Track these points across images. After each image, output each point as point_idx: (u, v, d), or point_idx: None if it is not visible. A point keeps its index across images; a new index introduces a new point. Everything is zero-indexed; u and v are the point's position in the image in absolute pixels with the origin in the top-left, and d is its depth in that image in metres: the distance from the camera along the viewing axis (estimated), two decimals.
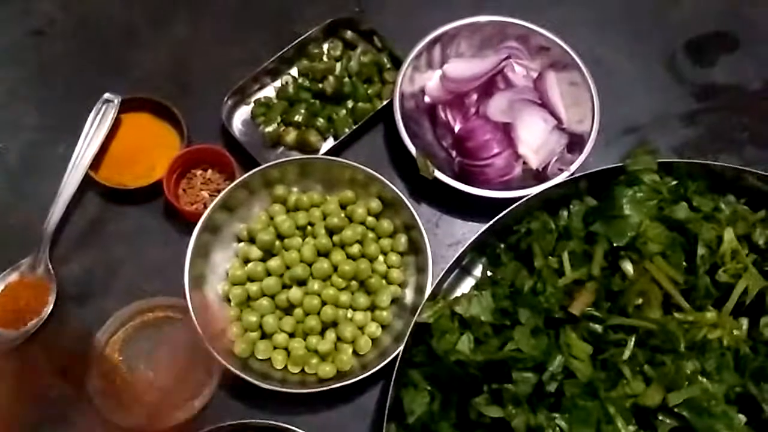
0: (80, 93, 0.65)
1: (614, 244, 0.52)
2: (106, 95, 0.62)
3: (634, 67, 0.69)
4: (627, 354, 0.46)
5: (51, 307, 0.57)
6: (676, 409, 0.42)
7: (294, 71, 0.67)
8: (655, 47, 0.70)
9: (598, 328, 0.48)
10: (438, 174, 0.59)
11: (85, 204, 0.62)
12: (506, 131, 0.61)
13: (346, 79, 0.66)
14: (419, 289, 0.57)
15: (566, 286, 0.52)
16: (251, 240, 0.59)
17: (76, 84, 0.67)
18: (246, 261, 0.58)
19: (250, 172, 0.58)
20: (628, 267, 0.50)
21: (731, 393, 0.43)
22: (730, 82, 0.69)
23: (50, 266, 0.59)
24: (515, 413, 0.45)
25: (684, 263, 0.51)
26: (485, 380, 0.48)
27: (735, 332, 0.47)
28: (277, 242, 0.58)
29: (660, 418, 0.43)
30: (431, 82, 0.66)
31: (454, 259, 0.55)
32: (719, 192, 0.56)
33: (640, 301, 0.49)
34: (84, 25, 0.70)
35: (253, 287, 0.56)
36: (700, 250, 0.50)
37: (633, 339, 0.47)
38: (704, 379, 0.43)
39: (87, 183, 0.61)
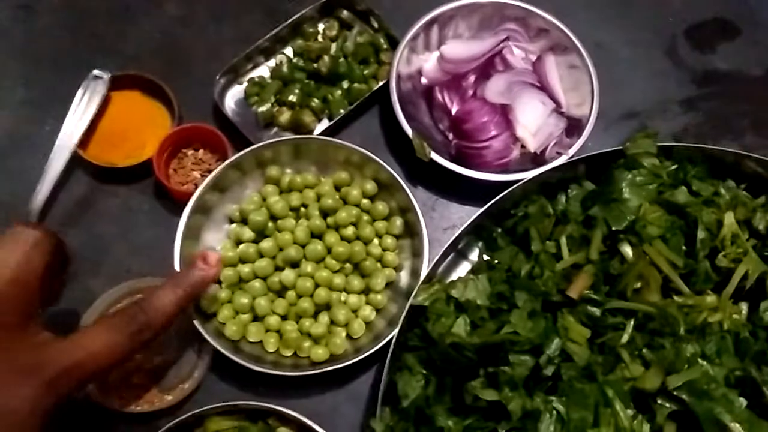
0: (69, 69, 0.64)
1: (613, 228, 0.51)
2: (96, 72, 0.61)
3: (634, 51, 0.69)
4: (626, 338, 0.46)
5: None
6: (675, 393, 0.41)
7: (288, 51, 0.66)
8: (656, 32, 0.70)
9: (597, 311, 0.47)
10: (434, 156, 0.58)
11: (72, 183, 0.61)
12: (504, 113, 0.60)
13: (342, 60, 0.65)
14: (414, 273, 0.56)
15: (564, 270, 0.51)
16: (243, 221, 0.58)
17: (64, 60, 0.66)
18: (238, 242, 0.57)
19: (243, 152, 0.57)
20: (627, 250, 0.50)
21: (731, 376, 0.43)
22: (731, 68, 0.68)
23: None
24: (511, 396, 0.45)
25: (684, 247, 0.50)
26: (481, 363, 0.47)
27: (735, 316, 0.47)
28: (270, 223, 0.56)
29: (659, 401, 0.42)
30: (428, 63, 0.64)
31: (449, 242, 0.54)
32: (719, 177, 0.56)
33: (638, 284, 0.48)
34: (73, 0, 0.69)
35: (245, 269, 0.55)
36: (700, 234, 0.49)
37: (632, 323, 0.46)
38: (704, 362, 0.42)
39: (75, 161, 0.59)
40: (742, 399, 0.41)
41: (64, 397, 0.40)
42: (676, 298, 0.47)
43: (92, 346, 0.41)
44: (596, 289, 0.48)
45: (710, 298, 0.47)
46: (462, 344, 0.47)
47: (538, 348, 0.46)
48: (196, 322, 0.52)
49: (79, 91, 0.60)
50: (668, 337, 0.44)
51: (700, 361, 0.42)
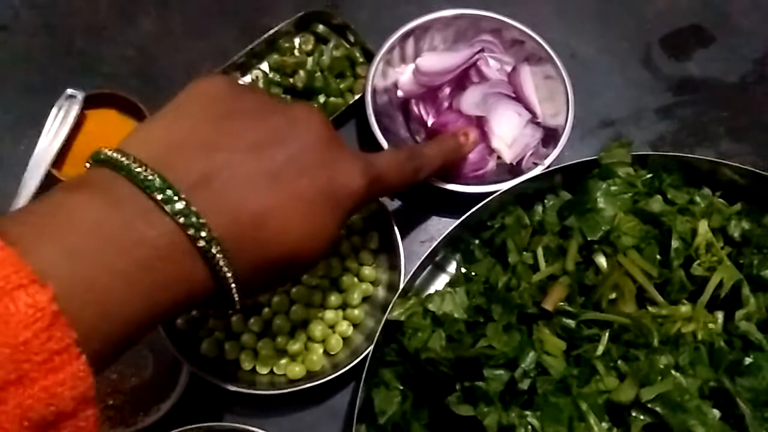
0: (44, 89, 0.64)
1: (588, 238, 0.51)
2: (69, 91, 0.61)
3: (609, 60, 0.69)
4: (601, 349, 0.45)
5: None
6: (649, 405, 0.41)
7: (264, 66, 0.66)
8: (631, 41, 0.70)
9: (572, 323, 0.47)
10: None
11: None
12: (480, 125, 0.60)
13: (318, 74, 0.64)
14: (392, 287, 0.56)
15: (540, 281, 0.51)
16: None
17: (39, 79, 0.65)
18: None
19: None
20: (602, 261, 0.49)
21: (705, 388, 0.42)
22: (707, 76, 0.69)
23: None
24: (487, 412, 0.44)
25: (658, 257, 0.50)
26: (457, 378, 0.47)
27: (710, 326, 0.46)
28: None
29: (634, 414, 0.42)
30: (404, 76, 0.64)
31: (426, 255, 0.54)
32: (695, 185, 0.56)
33: (614, 295, 0.48)
34: (49, 19, 0.68)
35: None
36: (675, 243, 0.49)
37: (607, 334, 0.46)
38: (678, 374, 0.42)
39: (50, 182, 0.59)
40: (715, 411, 0.41)
41: (365, 203, 0.43)
42: (650, 308, 0.47)
43: (391, 168, 0.45)
44: (571, 301, 0.48)
45: (685, 308, 0.47)
46: (437, 359, 0.47)
47: (513, 361, 0.45)
48: (170, 343, 0.51)
49: (53, 110, 0.60)
50: (642, 349, 0.44)
51: (673, 372, 0.42)
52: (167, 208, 0.32)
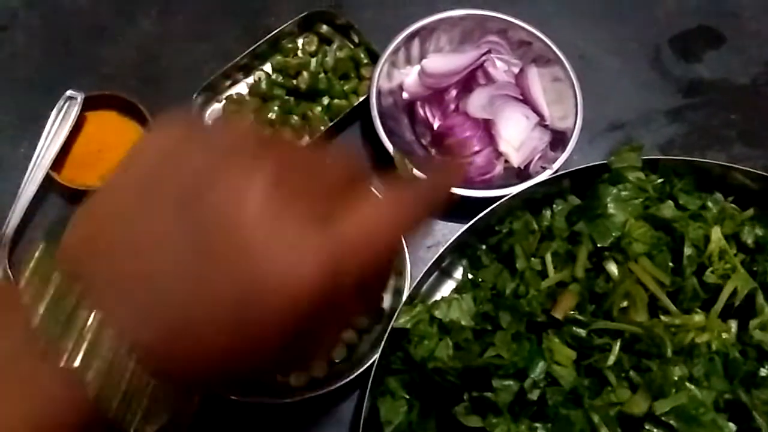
0: (43, 90, 0.63)
1: (598, 245, 0.50)
2: (69, 92, 0.59)
3: (618, 62, 0.68)
4: (612, 359, 0.44)
5: None
6: (663, 418, 0.40)
7: (267, 67, 0.65)
8: (640, 42, 0.69)
9: (582, 332, 0.46)
10: (416, 172, 0.57)
11: (46, 207, 0.59)
12: (487, 128, 0.59)
13: (322, 75, 0.63)
14: (397, 293, 0.55)
15: (549, 288, 0.50)
16: None
17: (39, 81, 0.64)
18: None
19: None
20: (613, 268, 0.48)
21: (720, 400, 0.41)
22: (717, 78, 0.67)
23: (9, 272, 0.56)
24: (496, 423, 0.43)
25: (670, 264, 0.49)
26: (465, 388, 0.46)
27: (724, 335, 0.45)
28: None
29: (647, 427, 0.41)
30: (409, 77, 0.63)
31: (432, 261, 0.53)
32: (706, 190, 0.55)
33: (625, 303, 0.47)
34: (48, 19, 0.67)
35: None
36: (687, 250, 0.48)
37: (618, 344, 0.45)
38: (692, 386, 0.41)
39: (49, 184, 0.58)
40: (731, 424, 0.40)
41: (339, 282, 0.26)
42: (663, 317, 0.46)
43: (380, 219, 0.29)
44: (582, 309, 0.47)
45: (698, 317, 0.46)
46: (445, 369, 0.46)
47: (522, 371, 0.44)
48: None
49: (53, 112, 0.59)
50: (655, 359, 0.43)
51: (688, 384, 0.41)
52: None
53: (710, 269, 0.48)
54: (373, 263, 0.28)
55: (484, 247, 0.56)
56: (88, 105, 0.60)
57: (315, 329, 0.28)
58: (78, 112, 0.59)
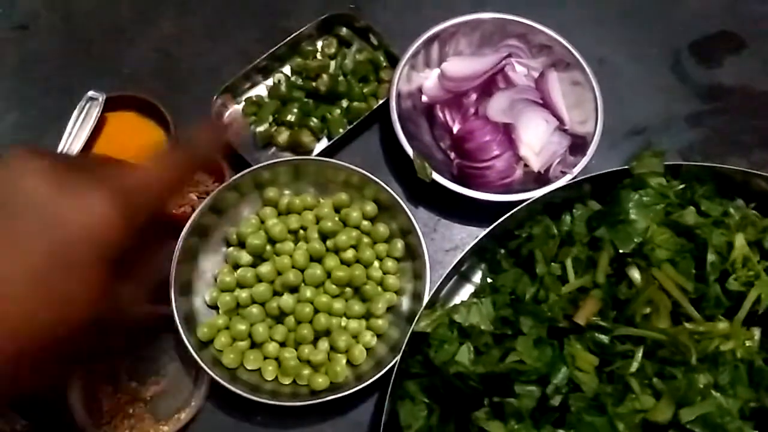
0: (64, 90, 0.63)
1: (620, 251, 0.49)
2: (91, 93, 0.60)
3: (637, 67, 0.67)
4: (635, 366, 0.44)
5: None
6: (688, 426, 0.40)
7: (286, 69, 0.65)
8: (659, 47, 0.68)
9: (605, 338, 0.46)
10: (436, 176, 0.57)
11: None
12: (507, 132, 0.59)
13: (341, 78, 0.64)
14: (416, 297, 0.55)
15: (570, 294, 0.50)
16: (241, 244, 0.56)
17: (59, 81, 0.65)
18: (235, 266, 0.56)
19: (241, 174, 0.56)
20: (636, 275, 0.48)
21: (746, 408, 0.41)
22: (737, 83, 0.67)
23: None
24: (518, 429, 0.43)
25: (693, 271, 0.48)
26: (486, 393, 0.46)
27: (748, 343, 0.45)
28: (268, 247, 0.55)
29: None
30: (429, 81, 0.63)
31: (453, 265, 0.53)
32: (728, 196, 0.54)
33: (647, 310, 0.47)
34: (68, 20, 0.68)
35: (242, 294, 0.54)
36: (710, 257, 0.48)
37: (641, 350, 0.45)
38: (718, 394, 0.40)
39: None
40: None
41: (136, 226, 0.34)
42: (686, 324, 0.45)
43: (148, 172, 0.37)
44: (604, 315, 0.47)
45: (722, 325, 0.45)
46: (466, 373, 0.46)
47: (544, 377, 0.44)
48: (192, 350, 0.50)
49: (75, 113, 0.60)
50: (679, 367, 0.43)
51: (713, 392, 0.41)
52: None
53: (733, 276, 0.48)
54: (156, 200, 0.38)
55: (503, 251, 0.56)
56: (108, 106, 0.60)
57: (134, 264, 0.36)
58: (99, 113, 0.59)
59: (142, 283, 0.39)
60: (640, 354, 0.45)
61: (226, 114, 0.63)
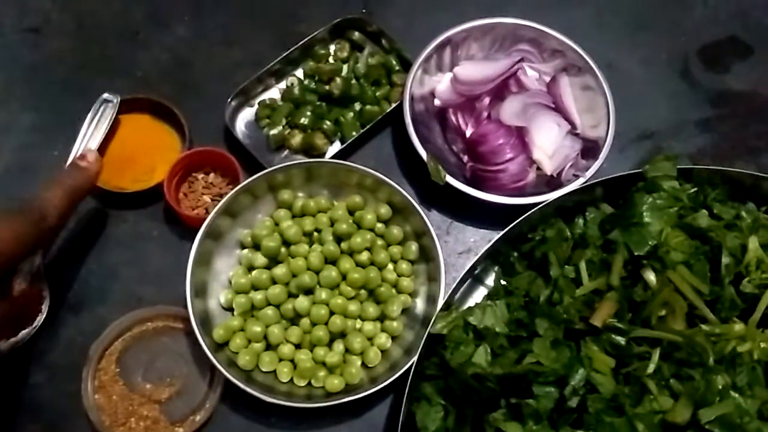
0: (77, 93, 0.63)
1: (635, 253, 0.50)
2: (105, 95, 0.60)
3: (647, 72, 0.68)
4: (652, 367, 0.44)
5: (44, 315, 0.54)
6: (707, 426, 0.40)
7: (299, 72, 0.65)
8: (669, 52, 0.69)
9: (621, 340, 0.46)
10: (449, 179, 0.57)
11: (81, 208, 0.59)
12: (520, 136, 0.60)
13: (354, 81, 0.64)
14: (430, 299, 0.55)
15: (584, 296, 0.50)
16: (255, 246, 0.56)
17: (73, 83, 0.65)
18: (250, 268, 0.56)
19: (255, 176, 0.56)
20: (651, 277, 0.48)
21: (764, 409, 0.41)
22: (745, 89, 0.68)
23: (43, 273, 0.56)
24: (536, 430, 0.43)
25: (708, 273, 0.49)
26: (503, 394, 0.46)
27: (762, 345, 0.45)
28: (283, 249, 0.55)
29: None
30: (441, 85, 0.64)
31: (467, 268, 0.53)
32: (739, 200, 0.55)
33: (663, 312, 0.47)
34: (81, 23, 0.68)
35: (257, 296, 0.54)
36: (725, 260, 0.48)
37: (658, 352, 0.45)
38: (736, 394, 0.41)
39: None
40: None
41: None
42: (702, 326, 0.46)
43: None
44: (620, 317, 0.47)
45: (738, 326, 0.45)
46: (483, 375, 0.46)
47: (562, 379, 0.44)
48: (207, 352, 0.50)
49: (89, 115, 0.60)
50: (697, 368, 0.43)
51: (732, 393, 0.41)
52: None
53: (747, 279, 0.48)
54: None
55: (516, 254, 0.56)
56: (122, 108, 0.61)
57: None
58: (114, 115, 0.59)
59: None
60: (656, 355, 0.45)
61: (240, 116, 0.63)
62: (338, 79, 0.63)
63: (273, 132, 0.62)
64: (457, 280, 0.53)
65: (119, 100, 0.60)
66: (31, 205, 0.48)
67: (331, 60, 0.66)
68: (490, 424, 0.46)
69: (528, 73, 0.64)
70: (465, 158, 0.62)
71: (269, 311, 0.54)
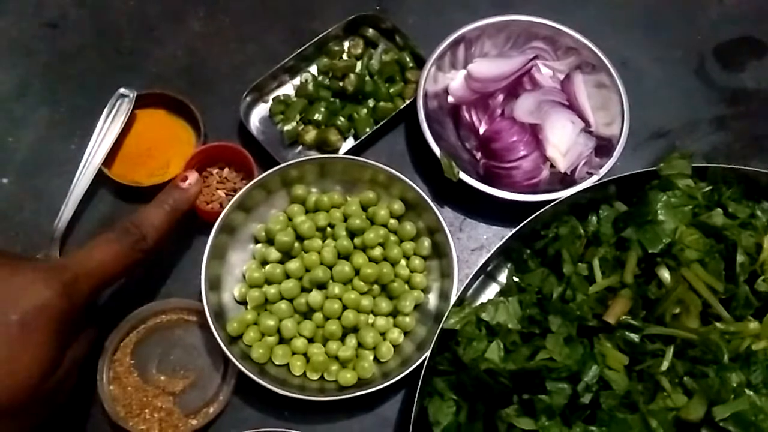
0: (93, 88, 0.64)
1: (649, 251, 0.50)
2: (121, 90, 0.61)
3: (661, 70, 0.68)
4: (665, 365, 0.44)
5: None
6: (721, 424, 0.40)
7: (313, 69, 0.66)
8: (684, 51, 0.69)
9: (635, 337, 0.46)
10: (463, 176, 0.57)
11: (97, 202, 0.60)
12: (533, 133, 0.60)
13: (368, 78, 0.64)
14: (443, 295, 0.55)
15: (597, 293, 0.50)
16: (269, 241, 0.57)
17: (89, 78, 0.65)
18: (264, 263, 0.56)
19: (269, 172, 0.56)
20: (665, 275, 0.48)
21: None
22: (760, 87, 0.67)
23: None
24: (549, 426, 0.43)
25: (722, 271, 0.49)
26: (515, 390, 0.46)
27: None
28: (297, 244, 0.56)
29: None
30: (455, 82, 0.64)
31: (480, 264, 0.53)
32: (753, 198, 0.55)
33: (677, 310, 0.47)
34: (98, 18, 0.69)
35: (271, 290, 0.54)
36: (740, 258, 0.48)
37: (671, 349, 0.45)
38: (751, 392, 0.41)
39: (99, 180, 0.59)
40: None
41: (78, 305, 0.43)
42: (717, 324, 0.46)
43: (100, 256, 0.45)
44: (634, 315, 0.47)
45: (753, 325, 0.45)
46: (496, 370, 0.46)
47: (575, 375, 0.45)
48: (221, 345, 0.51)
49: (105, 110, 0.60)
50: (711, 366, 0.43)
51: (746, 390, 0.41)
52: None
53: (762, 277, 0.48)
54: (96, 284, 0.45)
55: (529, 251, 0.56)
56: (138, 103, 0.61)
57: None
58: (130, 110, 0.60)
59: (75, 360, 0.46)
60: (670, 353, 0.45)
61: (254, 112, 0.64)
62: (352, 76, 0.63)
63: (287, 128, 0.62)
64: (470, 277, 0.53)
65: (135, 95, 0.61)
66: (131, 226, 0.48)
67: (345, 57, 0.66)
68: (503, 419, 0.46)
69: (542, 71, 0.64)
70: (478, 155, 0.62)
71: (282, 305, 0.54)
